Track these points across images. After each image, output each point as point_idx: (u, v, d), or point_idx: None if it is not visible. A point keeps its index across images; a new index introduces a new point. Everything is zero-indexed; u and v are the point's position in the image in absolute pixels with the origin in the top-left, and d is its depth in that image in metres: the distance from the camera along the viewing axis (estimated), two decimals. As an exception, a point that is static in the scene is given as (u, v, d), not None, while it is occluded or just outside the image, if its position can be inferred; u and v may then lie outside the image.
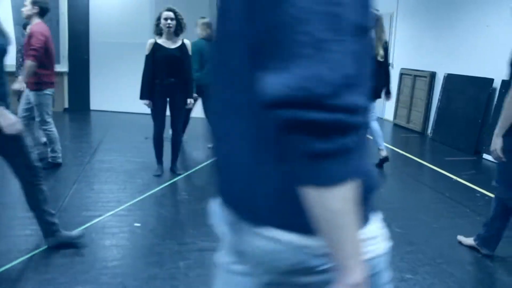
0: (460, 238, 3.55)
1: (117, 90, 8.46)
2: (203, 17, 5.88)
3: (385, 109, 9.54)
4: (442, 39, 7.54)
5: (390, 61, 9.38)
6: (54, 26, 7.83)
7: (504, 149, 2.92)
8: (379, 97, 5.52)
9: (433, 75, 7.83)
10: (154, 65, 4.66)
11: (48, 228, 3.09)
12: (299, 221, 0.85)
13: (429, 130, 7.84)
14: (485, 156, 6.29)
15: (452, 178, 5.30)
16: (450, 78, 7.36)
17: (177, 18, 4.68)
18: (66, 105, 8.65)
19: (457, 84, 7.13)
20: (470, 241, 3.42)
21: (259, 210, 0.90)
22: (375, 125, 5.41)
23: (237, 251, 1.01)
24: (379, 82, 5.39)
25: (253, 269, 0.98)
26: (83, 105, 8.78)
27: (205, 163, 5.43)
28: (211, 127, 1.03)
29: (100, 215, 3.73)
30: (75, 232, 3.24)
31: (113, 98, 8.55)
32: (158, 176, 4.87)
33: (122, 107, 8.50)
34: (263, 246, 0.91)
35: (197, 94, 5.45)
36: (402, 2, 8.94)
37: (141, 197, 4.21)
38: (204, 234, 3.49)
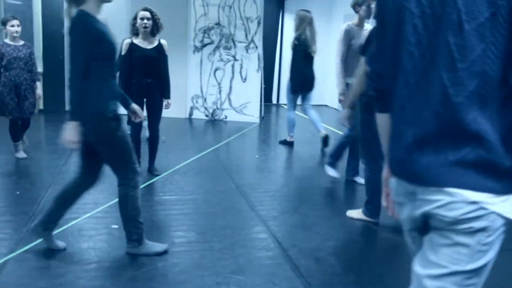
0: (350, 213, 3.94)
1: (94, 91, 8.35)
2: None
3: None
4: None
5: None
6: (27, 26, 7.68)
7: (362, 123, 3.71)
8: (313, 88, 6.49)
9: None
10: (131, 66, 4.62)
11: (48, 222, 3.09)
12: (472, 182, 1.20)
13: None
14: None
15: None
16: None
17: (154, 18, 4.65)
18: (41, 107, 8.50)
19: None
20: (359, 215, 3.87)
21: (443, 175, 1.23)
22: (313, 112, 6.49)
23: (412, 217, 1.36)
24: (311, 75, 6.42)
25: (425, 223, 1.33)
26: (59, 106, 8.65)
27: (183, 164, 5.41)
28: (401, 116, 1.34)
29: (76, 217, 3.68)
30: (61, 243, 3.16)
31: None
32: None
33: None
34: (441, 200, 1.24)
35: None
36: (378, 2, 9.02)
37: (119, 199, 4.16)
38: (182, 235, 3.48)
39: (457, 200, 1.22)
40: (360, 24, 4.74)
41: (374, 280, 2.93)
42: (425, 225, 1.34)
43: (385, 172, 1.58)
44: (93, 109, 2.80)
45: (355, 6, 4.64)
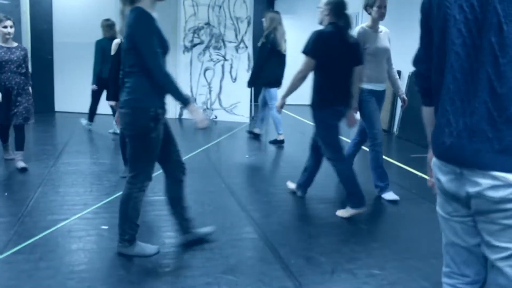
0: (340, 213, 3.99)
1: (83, 91, 8.28)
2: (107, 19, 6.85)
3: (352, 107, 9.66)
4: (406, 38, 7.66)
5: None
6: (15, 26, 7.60)
7: (316, 120, 3.94)
8: (281, 85, 6.67)
9: (397, 74, 7.96)
10: (120, 66, 4.58)
11: (186, 225, 3.27)
12: None
13: (395, 128, 7.99)
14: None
15: (418, 175, 5.42)
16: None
17: (143, 18, 4.62)
18: (30, 107, 8.44)
19: (421, 82, 7.28)
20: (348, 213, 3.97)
21: (489, 160, 1.43)
22: (275, 112, 6.38)
23: (457, 194, 1.56)
24: (282, 72, 6.67)
25: (469, 204, 1.54)
26: (48, 106, 8.59)
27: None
28: (451, 108, 1.52)
29: (66, 219, 3.66)
30: (207, 228, 3.41)
31: (78, 99, 8.38)
32: (126, 177, 4.79)
33: (87, 108, 8.33)
34: (487, 183, 1.44)
35: (97, 85, 6.81)
36: (367, 2, 9.05)
37: (108, 199, 4.15)
38: (172, 235, 3.47)
39: (501, 184, 1.42)
40: (374, 26, 4.39)
41: (364, 279, 2.94)
42: (468, 201, 1.55)
43: (430, 155, 1.78)
44: (136, 104, 2.85)
45: (367, 8, 4.40)
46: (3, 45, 4.85)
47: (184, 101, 2.87)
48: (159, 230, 3.62)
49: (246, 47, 8.65)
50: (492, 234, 1.51)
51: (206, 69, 8.75)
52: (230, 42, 8.69)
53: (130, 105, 2.86)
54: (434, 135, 1.64)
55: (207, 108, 8.82)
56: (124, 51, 2.94)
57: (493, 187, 1.44)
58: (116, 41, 4.65)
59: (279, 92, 6.69)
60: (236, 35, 8.68)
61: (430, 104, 1.74)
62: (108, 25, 6.88)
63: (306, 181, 4.37)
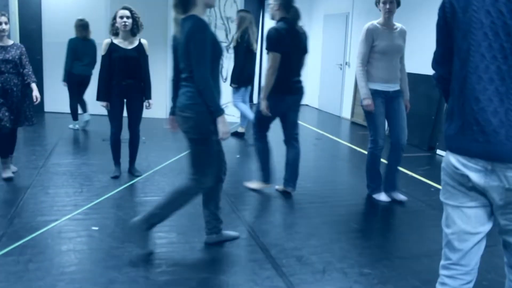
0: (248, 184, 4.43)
1: (72, 91, 8.24)
2: (81, 19, 6.94)
3: (342, 107, 9.70)
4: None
5: (347, 60, 9.56)
6: (4, 26, 7.53)
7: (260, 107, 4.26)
8: (252, 82, 7.08)
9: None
10: (111, 66, 4.56)
11: (216, 225, 3.34)
12: None
13: (386, 128, 8.01)
14: (438, 151, 6.49)
15: (408, 174, 5.45)
16: (404, 77, 7.53)
17: (134, 17, 4.60)
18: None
19: (410, 82, 7.30)
20: None
21: None
22: (243, 106, 7.00)
23: (484, 189, 1.65)
24: (254, 71, 7.01)
25: (493, 196, 1.64)
26: (37, 107, 8.45)
27: (164, 165, 5.38)
28: (476, 106, 1.60)
29: (56, 220, 3.63)
30: (234, 233, 3.47)
31: (68, 99, 8.30)
32: (116, 178, 4.78)
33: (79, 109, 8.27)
34: None
35: (68, 82, 6.94)
36: (357, 2, 9.10)
37: (99, 200, 4.12)
38: (163, 236, 3.46)
39: None
40: (386, 23, 4.24)
41: (356, 278, 2.95)
42: (493, 194, 1.65)
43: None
44: (200, 108, 2.94)
45: (377, 4, 4.30)
46: None
47: (218, 111, 2.95)
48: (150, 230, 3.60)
49: (237, 47, 8.63)
50: None
51: (196, 69, 8.72)
52: (221, 42, 8.66)
53: (194, 110, 2.95)
54: (458, 134, 1.68)
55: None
56: (182, 57, 3.03)
57: None
58: (107, 41, 4.62)
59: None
60: (226, 35, 8.66)
61: None
62: (81, 25, 6.91)
63: (291, 174, 4.49)
